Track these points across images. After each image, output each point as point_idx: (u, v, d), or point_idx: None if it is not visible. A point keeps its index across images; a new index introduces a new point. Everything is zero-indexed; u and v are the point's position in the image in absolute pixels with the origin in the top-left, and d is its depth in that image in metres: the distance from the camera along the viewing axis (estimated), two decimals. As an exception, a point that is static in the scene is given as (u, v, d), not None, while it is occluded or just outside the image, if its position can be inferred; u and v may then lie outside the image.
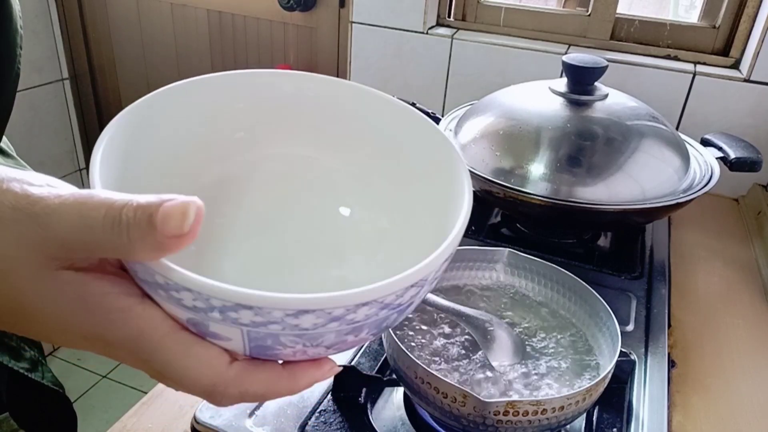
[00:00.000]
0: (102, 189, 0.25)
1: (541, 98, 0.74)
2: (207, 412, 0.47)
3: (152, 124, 0.31)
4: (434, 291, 0.53)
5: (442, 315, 0.51)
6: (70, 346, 0.25)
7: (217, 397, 0.25)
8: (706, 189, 0.67)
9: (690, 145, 0.77)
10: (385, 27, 1.10)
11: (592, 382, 0.42)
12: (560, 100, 0.72)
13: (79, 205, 0.22)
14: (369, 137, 0.38)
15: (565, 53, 0.94)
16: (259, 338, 0.24)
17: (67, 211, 0.22)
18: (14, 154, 0.53)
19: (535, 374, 0.47)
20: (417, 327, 0.50)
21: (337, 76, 0.39)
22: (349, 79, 1.16)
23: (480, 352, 0.48)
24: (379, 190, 0.38)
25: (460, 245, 0.33)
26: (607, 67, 0.71)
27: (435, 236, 0.30)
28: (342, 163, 0.38)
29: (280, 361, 0.27)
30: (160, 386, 0.51)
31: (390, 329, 0.44)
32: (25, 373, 0.44)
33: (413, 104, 1.01)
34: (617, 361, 0.45)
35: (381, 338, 0.52)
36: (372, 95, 0.37)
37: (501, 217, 0.81)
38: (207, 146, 0.36)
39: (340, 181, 0.39)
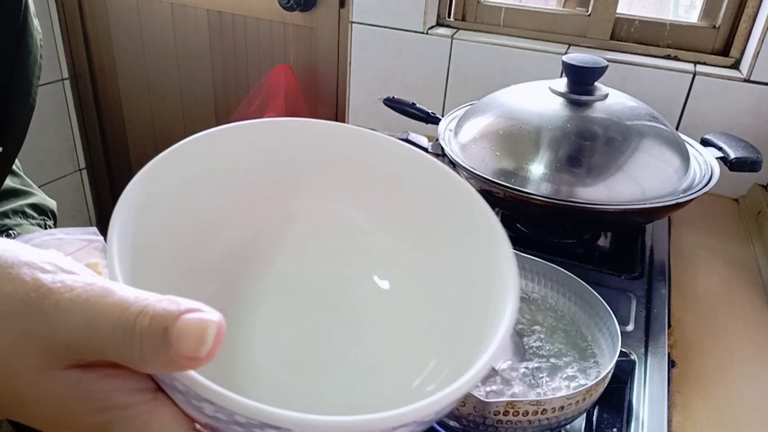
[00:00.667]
0: (120, 282, 0.23)
1: (541, 98, 0.74)
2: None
3: (167, 189, 0.29)
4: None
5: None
6: None
7: None
8: (706, 189, 0.67)
9: (690, 145, 0.77)
10: (385, 27, 1.10)
11: (592, 382, 0.42)
12: (560, 100, 0.72)
13: (90, 307, 0.21)
14: (408, 200, 0.35)
15: (565, 53, 0.94)
16: None
17: (77, 312, 0.21)
18: (21, 173, 0.53)
19: (535, 374, 0.47)
20: (417, 327, 0.50)
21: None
22: (349, 80, 1.16)
23: (480, 352, 0.48)
24: (415, 259, 0.35)
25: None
26: (607, 67, 0.71)
27: (476, 317, 0.29)
28: (377, 227, 0.36)
29: None
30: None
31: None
32: None
33: (413, 104, 1.00)
34: (617, 361, 0.45)
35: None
36: (419, 157, 0.34)
37: (501, 217, 0.81)
38: (231, 206, 0.33)
39: (375, 246, 0.36)
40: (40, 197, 0.53)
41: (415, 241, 0.35)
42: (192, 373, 0.20)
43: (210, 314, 0.20)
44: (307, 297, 0.36)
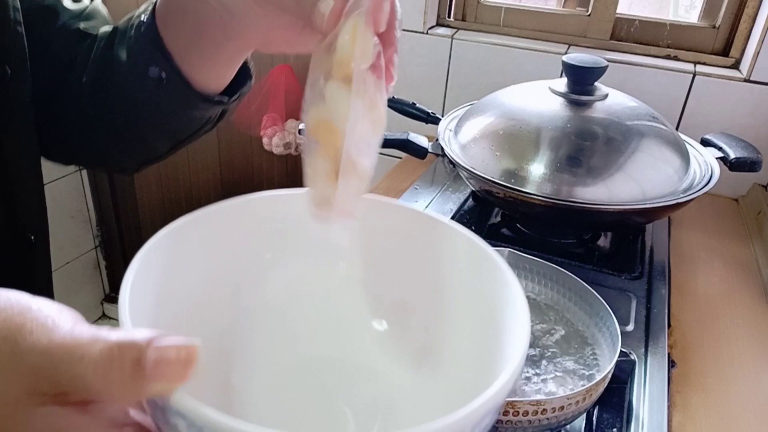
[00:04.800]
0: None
1: (541, 98, 0.74)
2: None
3: (179, 255, 0.31)
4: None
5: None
6: None
7: None
8: (706, 189, 0.67)
9: (690, 145, 0.77)
10: (385, 27, 1.10)
11: (592, 382, 0.42)
12: (560, 100, 0.72)
13: (65, 344, 0.21)
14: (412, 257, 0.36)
15: (565, 53, 0.94)
16: None
17: (55, 351, 0.21)
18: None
19: (535, 374, 0.47)
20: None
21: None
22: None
23: (480, 352, 0.48)
24: (418, 304, 0.36)
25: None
26: (607, 67, 0.71)
27: (485, 347, 0.30)
28: (378, 280, 0.37)
29: None
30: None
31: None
32: None
33: (413, 104, 1.00)
34: (617, 361, 0.45)
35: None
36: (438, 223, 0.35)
37: (501, 217, 0.81)
38: (236, 271, 0.35)
39: (374, 295, 0.37)
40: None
41: (416, 289, 0.36)
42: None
43: (180, 338, 0.20)
44: (309, 341, 0.37)
